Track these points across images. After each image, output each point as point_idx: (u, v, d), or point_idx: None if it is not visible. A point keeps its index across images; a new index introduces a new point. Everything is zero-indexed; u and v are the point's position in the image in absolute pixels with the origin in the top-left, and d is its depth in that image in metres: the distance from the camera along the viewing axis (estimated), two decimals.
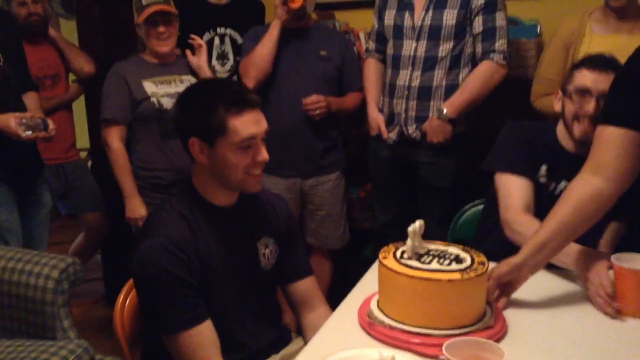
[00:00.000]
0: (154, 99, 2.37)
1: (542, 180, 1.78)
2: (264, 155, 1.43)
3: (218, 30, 2.70)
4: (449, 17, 2.29)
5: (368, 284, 1.56)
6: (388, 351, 1.14)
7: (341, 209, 2.72)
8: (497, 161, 1.83)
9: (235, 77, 2.69)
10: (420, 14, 2.34)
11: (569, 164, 1.67)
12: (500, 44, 2.29)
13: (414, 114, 2.38)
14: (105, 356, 1.84)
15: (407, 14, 2.37)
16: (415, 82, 2.35)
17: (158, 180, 2.42)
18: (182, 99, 1.49)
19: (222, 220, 1.47)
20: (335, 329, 1.35)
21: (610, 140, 1.38)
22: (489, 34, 2.28)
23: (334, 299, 1.55)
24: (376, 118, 2.49)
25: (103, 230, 3.10)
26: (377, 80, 2.54)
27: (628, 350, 1.23)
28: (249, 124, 1.39)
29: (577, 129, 1.72)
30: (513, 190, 1.74)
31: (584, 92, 1.70)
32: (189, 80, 2.45)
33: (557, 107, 1.80)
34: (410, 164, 2.45)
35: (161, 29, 2.37)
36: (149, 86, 2.39)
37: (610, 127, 1.38)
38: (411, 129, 2.39)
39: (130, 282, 1.50)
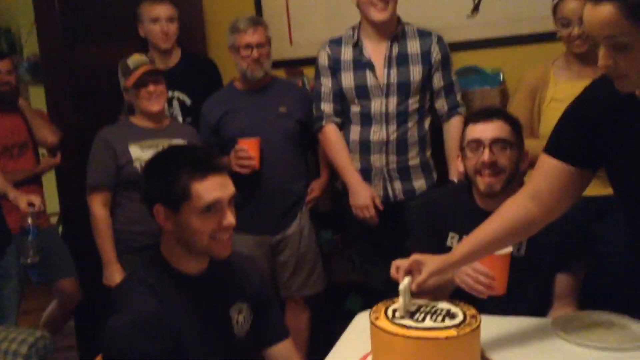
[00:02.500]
0: (136, 164, 2.35)
1: (454, 246, 1.82)
2: (229, 219, 1.41)
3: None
4: (415, 72, 2.37)
5: (349, 343, 1.55)
6: None
7: (313, 256, 2.67)
8: (409, 243, 1.93)
9: None
10: (382, 72, 2.38)
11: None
12: (459, 97, 2.45)
13: (395, 166, 2.41)
14: None
15: (368, 73, 2.39)
16: (393, 136, 2.38)
17: (134, 242, 2.38)
18: (148, 165, 1.48)
19: (193, 289, 1.45)
20: None
21: (550, 171, 1.42)
22: (449, 89, 2.43)
23: (316, 355, 1.52)
24: (369, 191, 2.38)
25: (75, 297, 3.02)
26: (346, 147, 2.46)
27: None
28: (212, 188, 1.38)
29: (481, 183, 1.76)
30: None
31: (476, 144, 1.76)
32: (178, 144, 2.39)
33: (460, 168, 1.86)
34: (395, 211, 2.45)
35: (151, 87, 2.37)
36: (135, 150, 2.37)
37: (552, 159, 1.42)
38: (397, 187, 2.43)
39: (99, 358, 1.45)
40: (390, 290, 2.39)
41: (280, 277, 2.67)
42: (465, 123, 1.85)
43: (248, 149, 2.44)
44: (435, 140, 2.51)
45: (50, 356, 2.00)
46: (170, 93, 2.71)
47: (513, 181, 1.76)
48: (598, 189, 1.74)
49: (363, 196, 2.38)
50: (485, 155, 1.73)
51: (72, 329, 3.25)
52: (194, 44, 3.00)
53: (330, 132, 2.47)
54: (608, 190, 1.53)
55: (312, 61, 3.02)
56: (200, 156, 1.44)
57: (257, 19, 2.60)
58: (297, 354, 1.63)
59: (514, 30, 2.73)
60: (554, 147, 1.44)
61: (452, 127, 2.42)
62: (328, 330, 2.85)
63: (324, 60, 2.48)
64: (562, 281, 1.74)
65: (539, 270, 1.74)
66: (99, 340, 1.36)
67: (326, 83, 2.47)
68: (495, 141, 1.74)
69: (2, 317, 2.28)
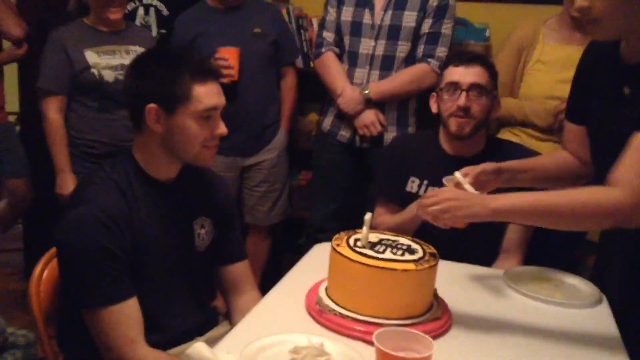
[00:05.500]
0: (94, 70, 2.26)
1: (413, 190, 1.86)
2: (222, 128, 1.39)
3: (143, 0, 2.61)
4: (409, 18, 2.30)
5: (302, 272, 1.55)
6: (317, 338, 1.12)
7: (281, 186, 2.69)
8: (373, 186, 1.97)
9: None
10: (379, 13, 2.32)
11: (451, 166, 1.66)
12: (440, 50, 2.32)
13: None
14: (17, 330, 1.73)
15: (366, 12, 2.34)
16: (374, 80, 2.34)
17: (91, 149, 2.33)
18: (140, 64, 1.41)
19: (160, 194, 1.41)
20: (265, 314, 1.33)
21: (572, 134, 1.50)
22: (432, 38, 2.32)
23: (266, 284, 1.53)
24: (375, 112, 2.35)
25: (27, 199, 2.94)
26: (344, 72, 2.40)
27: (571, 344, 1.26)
28: (212, 93, 1.36)
29: (453, 124, 1.78)
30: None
31: (453, 86, 1.77)
32: (135, 51, 2.33)
33: (434, 108, 1.87)
34: (360, 156, 2.46)
35: None
36: (91, 56, 2.27)
37: (569, 123, 1.50)
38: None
39: (50, 253, 1.42)
40: (326, 228, 2.43)
41: (247, 202, 2.68)
42: (445, 65, 1.83)
43: (228, 58, 2.38)
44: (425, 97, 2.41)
45: None
46: (148, 0, 2.60)
47: (482, 127, 1.80)
48: None
49: (368, 115, 2.34)
50: (462, 99, 1.74)
51: (19, 232, 3.21)
52: None
53: (329, 59, 2.42)
54: None
55: None
56: (200, 60, 1.39)
57: None
58: (251, 277, 1.62)
59: None
60: (567, 111, 1.51)
61: (410, 69, 2.32)
62: (281, 264, 2.90)
63: None
64: (512, 233, 1.79)
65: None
66: (55, 231, 1.31)
67: (331, 12, 2.43)
68: (472, 86, 1.75)
69: None
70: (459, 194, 1.29)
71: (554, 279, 1.56)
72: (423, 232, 1.59)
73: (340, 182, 2.52)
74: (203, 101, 1.34)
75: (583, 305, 1.43)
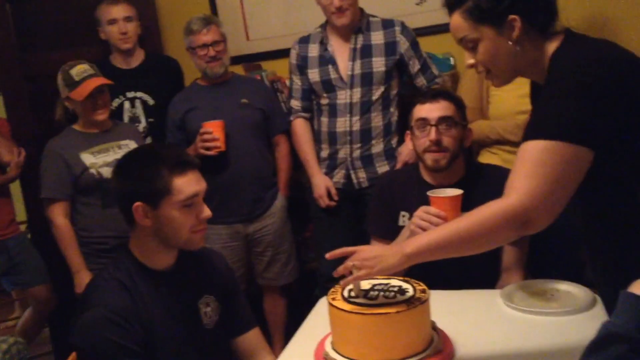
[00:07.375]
0: (92, 170, 2.38)
1: (405, 224, 1.90)
2: (207, 212, 1.50)
3: (127, 94, 2.75)
4: (378, 64, 2.47)
5: (310, 328, 1.61)
6: None
7: (288, 247, 2.77)
8: (368, 226, 2.07)
9: (149, 139, 2.75)
10: (347, 65, 2.49)
11: None
12: (434, 69, 2.55)
13: (359, 155, 2.52)
14: None
15: (330, 68, 2.51)
16: (356, 127, 2.49)
17: (102, 245, 2.42)
18: (122, 165, 1.53)
19: (162, 284, 1.50)
20: None
21: None
22: (424, 67, 2.53)
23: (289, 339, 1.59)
24: (325, 182, 2.55)
25: (50, 303, 3.04)
26: (311, 140, 2.63)
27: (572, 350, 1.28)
28: (192, 182, 1.46)
29: (428, 159, 1.87)
30: None
31: (422, 123, 1.87)
32: (127, 145, 2.46)
33: (410, 145, 1.97)
34: (357, 198, 2.57)
35: (99, 100, 2.39)
36: (87, 158, 2.40)
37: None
38: (361, 175, 2.54)
39: (72, 356, 1.50)
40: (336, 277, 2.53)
41: (256, 267, 2.76)
42: (413, 104, 1.93)
43: (213, 131, 2.50)
44: (405, 128, 2.53)
45: None
46: (133, 93, 2.75)
47: (458, 157, 1.88)
48: None
49: (317, 187, 2.56)
50: (432, 134, 1.84)
51: (47, 337, 3.27)
52: (151, 45, 3.01)
53: (297, 126, 2.65)
54: None
55: (269, 55, 3.11)
56: (177, 153, 1.50)
57: (209, 18, 2.65)
58: (264, 343, 1.70)
59: None
60: None
61: None
62: (302, 316, 2.94)
63: (293, 58, 2.61)
64: (508, 253, 1.85)
65: None
66: (71, 337, 1.40)
67: (296, 80, 2.62)
68: (441, 120, 1.84)
69: None
70: (375, 251, 1.30)
71: (549, 290, 1.62)
72: (421, 265, 1.66)
73: (342, 229, 2.61)
74: (184, 191, 1.44)
75: (578, 311, 1.49)
